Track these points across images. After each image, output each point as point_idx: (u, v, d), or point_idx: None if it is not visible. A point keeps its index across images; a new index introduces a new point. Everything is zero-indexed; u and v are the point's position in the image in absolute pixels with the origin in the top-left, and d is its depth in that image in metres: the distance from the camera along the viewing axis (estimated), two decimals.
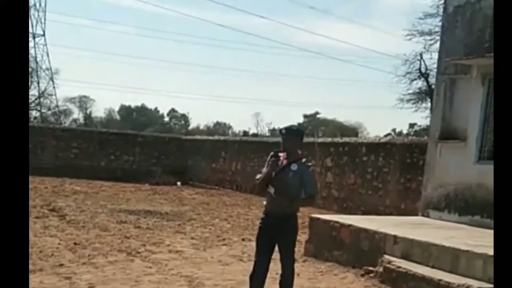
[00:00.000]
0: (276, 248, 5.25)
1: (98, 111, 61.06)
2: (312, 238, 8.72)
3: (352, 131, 49.12)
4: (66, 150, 22.34)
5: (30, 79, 41.29)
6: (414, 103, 28.14)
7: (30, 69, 40.88)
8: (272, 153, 5.22)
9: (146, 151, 23.44)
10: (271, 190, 5.17)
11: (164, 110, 68.97)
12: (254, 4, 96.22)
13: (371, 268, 7.28)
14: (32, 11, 45.30)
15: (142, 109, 66.25)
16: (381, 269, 7.06)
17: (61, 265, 6.94)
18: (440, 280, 6.14)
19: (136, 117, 63.94)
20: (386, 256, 7.16)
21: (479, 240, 6.98)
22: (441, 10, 15.95)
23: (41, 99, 45.74)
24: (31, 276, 6.15)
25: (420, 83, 27.65)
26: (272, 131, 52.41)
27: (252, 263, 5.38)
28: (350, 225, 8.17)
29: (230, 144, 21.75)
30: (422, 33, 24.89)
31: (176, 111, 68.13)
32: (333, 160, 15.61)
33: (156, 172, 22.51)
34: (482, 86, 9.27)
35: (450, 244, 6.67)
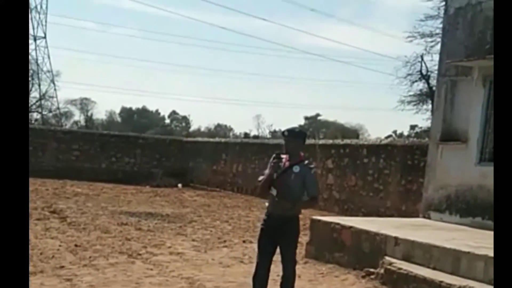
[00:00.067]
0: (277, 249, 5.25)
1: (99, 113, 61.27)
2: (313, 240, 8.71)
3: (353, 133, 49.13)
4: (67, 152, 22.36)
5: (31, 81, 41.31)
6: (415, 105, 28.11)
7: (31, 71, 40.98)
8: (274, 155, 5.22)
9: (147, 153, 23.46)
10: (273, 192, 5.16)
11: (165, 112, 69.12)
12: (256, 7, 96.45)
13: (372, 270, 7.28)
14: (33, 13, 45.37)
15: (143, 111, 66.32)
16: (382, 271, 7.06)
17: (62, 267, 6.94)
18: (441, 281, 6.14)
19: (137, 119, 64.01)
20: (387, 258, 7.15)
21: (480, 241, 6.98)
22: (442, 12, 15.99)
23: (42, 101, 45.77)
24: (31, 278, 6.16)
25: (421, 85, 27.63)
26: (273, 133, 52.41)
27: (253, 265, 5.38)
28: (351, 227, 8.17)
29: (231, 146, 21.76)
30: (423, 35, 24.88)
31: (177, 113, 68.22)
32: (334, 162, 15.61)
33: (157, 174, 22.52)
34: (483, 88, 9.27)
35: (451, 246, 6.67)
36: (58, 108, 48.55)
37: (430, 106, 25.08)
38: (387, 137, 28.09)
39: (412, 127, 48.82)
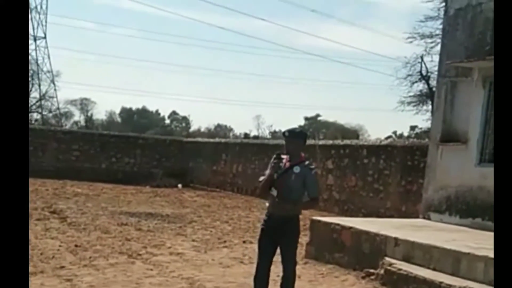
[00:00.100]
0: (278, 250, 5.25)
1: (99, 114, 61.25)
2: (313, 241, 8.72)
3: (353, 133, 49.10)
4: (67, 153, 22.36)
5: (31, 82, 41.29)
6: (415, 105, 28.08)
7: (31, 72, 40.95)
8: (275, 155, 5.23)
9: (147, 153, 23.46)
10: (274, 192, 5.17)
11: (165, 113, 69.07)
12: (256, 7, 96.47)
13: (372, 271, 7.28)
14: (33, 13, 45.33)
15: (143, 111, 66.30)
16: (382, 272, 7.06)
17: (62, 267, 6.95)
18: (441, 282, 6.14)
19: (137, 119, 63.98)
20: (387, 259, 7.15)
21: (480, 242, 6.98)
22: (442, 13, 16.01)
23: (42, 102, 45.75)
24: (32, 278, 6.16)
25: (421, 86, 27.60)
26: (273, 134, 52.41)
27: (253, 265, 5.39)
28: (351, 228, 8.17)
29: (231, 147, 21.76)
30: (423, 36, 24.86)
31: (177, 114, 68.19)
32: (334, 163, 15.61)
33: (157, 175, 22.52)
34: (483, 89, 9.27)
35: (451, 247, 6.67)
36: (58, 108, 48.58)
37: (430, 107, 25.07)
38: (387, 138, 28.04)
39: (412, 127, 48.80)
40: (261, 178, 5.30)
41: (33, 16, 45.38)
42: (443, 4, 13.39)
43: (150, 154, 23.47)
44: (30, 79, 40.24)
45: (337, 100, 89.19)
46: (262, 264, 5.24)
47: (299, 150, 5.23)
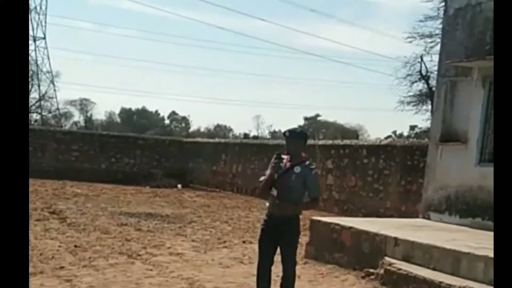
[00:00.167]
0: (278, 250, 5.25)
1: (99, 114, 61.17)
2: (313, 241, 8.71)
3: (353, 133, 49.08)
4: (67, 153, 22.35)
5: (30, 82, 41.29)
6: (414, 105, 28.09)
7: (30, 72, 40.93)
8: (275, 155, 5.23)
9: (146, 153, 23.45)
10: (274, 192, 5.16)
11: (164, 113, 69.02)
12: (256, 7, 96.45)
13: (372, 270, 7.28)
14: (33, 14, 45.35)
15: (143, 111, 66.27)
16: (382, 271, 7.06)
17: (62, 267, 6.94)
18: (441, 282, 6.14)
19: (136, 119, 63.95)
20: (387, 258, 7.15)
21: (480, 242, 6.98)
22: (441, 12, 15.98)
23: (42, 102, 45.76)
24: (31, 278, 6.15)
25: (420, 86, 27.61)
26: (273, 134, 52.41)
27: (253, 265, 5.39)
28: (351, 227, 8.17)
29: (231, 147, 21.76)
30: (422, 36, 24.87)
31: (176, 114, 68.17)
32: (334, 163, 15.62)
33: (156, 175, 22.51)
34: (483, 89, 9.27)
35: (451, 246, 6.67)
36: (57, 108, 48.57)
37: (429, 106, 25.07)
38: (386, 138, 28.06)
39: (412, 127, 48.81)
40: (262, 178, 5.29)
41: (32, 17, 45.43)
42: (443, 4, 13.39)
43: (150, 154, 23.47)
44: (29, 79, 40.23)
45: (337, 100, 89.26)
46: (263, 263, 5.24)
47: (299, 150, 5.23)
